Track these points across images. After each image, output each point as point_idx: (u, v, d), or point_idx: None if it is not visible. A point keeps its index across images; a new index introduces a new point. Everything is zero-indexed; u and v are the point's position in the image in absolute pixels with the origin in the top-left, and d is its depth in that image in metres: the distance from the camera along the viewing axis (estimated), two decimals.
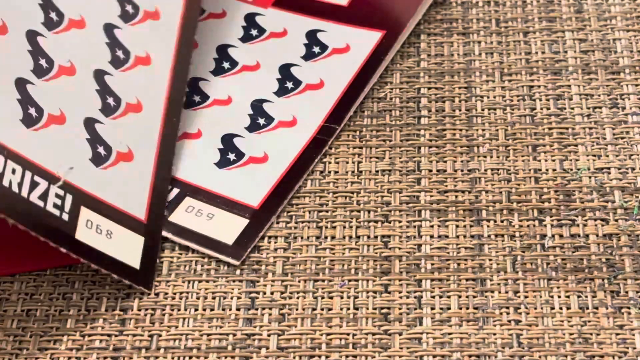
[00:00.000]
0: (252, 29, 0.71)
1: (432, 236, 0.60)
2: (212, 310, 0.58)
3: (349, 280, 0.59)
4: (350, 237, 0.61)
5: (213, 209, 0.61)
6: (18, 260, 0.60)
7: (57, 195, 0.57)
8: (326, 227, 0.61)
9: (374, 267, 0.59)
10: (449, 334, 0.56)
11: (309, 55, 0.69)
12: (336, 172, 0.64)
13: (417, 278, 0.59)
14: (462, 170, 0.63)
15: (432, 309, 0.57)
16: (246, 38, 0.70)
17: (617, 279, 0.58)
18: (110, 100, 0.61)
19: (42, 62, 0.60)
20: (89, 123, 0.60)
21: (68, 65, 0.61)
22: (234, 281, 0.59)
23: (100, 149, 0.59)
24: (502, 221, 0.61)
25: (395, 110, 0.67)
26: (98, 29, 0.63)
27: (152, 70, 0.62)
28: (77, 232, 0.57)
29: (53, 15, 0.62)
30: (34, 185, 0.56)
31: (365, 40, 0.69)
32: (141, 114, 0.61)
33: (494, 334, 0.56)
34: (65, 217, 0.57)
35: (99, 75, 0.62)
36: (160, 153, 0.61)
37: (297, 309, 0.58)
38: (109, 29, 0.63)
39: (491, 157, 0.64)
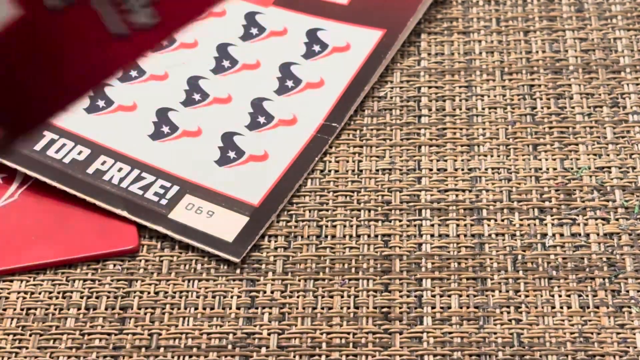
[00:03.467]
0: (252, 28, 0.71)
1: (432, 235, 0.60)
2: (212, 309, 0.58)
3: (350, 279, 0.58)
4: (351, 236, 0.60)
5: (213, 206, 0.61)
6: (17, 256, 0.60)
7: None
8: (326, 226, 0.61)
9: (375, 266, 0.59)
10: (450, 333, 0.56)
11: (309, 54, 0.69)
12: (336, 171, 0.64)
13: (418, 277, 0.58)
14: (462, 169, 0.63)
15: (433, 308, 0.57)
16: (246, 37, 0.70)
17: (617, 278, 0.58)
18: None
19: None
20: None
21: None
22: (234, 280, 0.59)
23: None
24: (502, 220, 0.61)
25: (395, 109, 0.66)
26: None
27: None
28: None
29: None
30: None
31: (365, 39, 0.69)
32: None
33: (495, 333, 0.56)
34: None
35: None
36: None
37: (297, 308, 0.57)
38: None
39: (492, 156, 0.64)
